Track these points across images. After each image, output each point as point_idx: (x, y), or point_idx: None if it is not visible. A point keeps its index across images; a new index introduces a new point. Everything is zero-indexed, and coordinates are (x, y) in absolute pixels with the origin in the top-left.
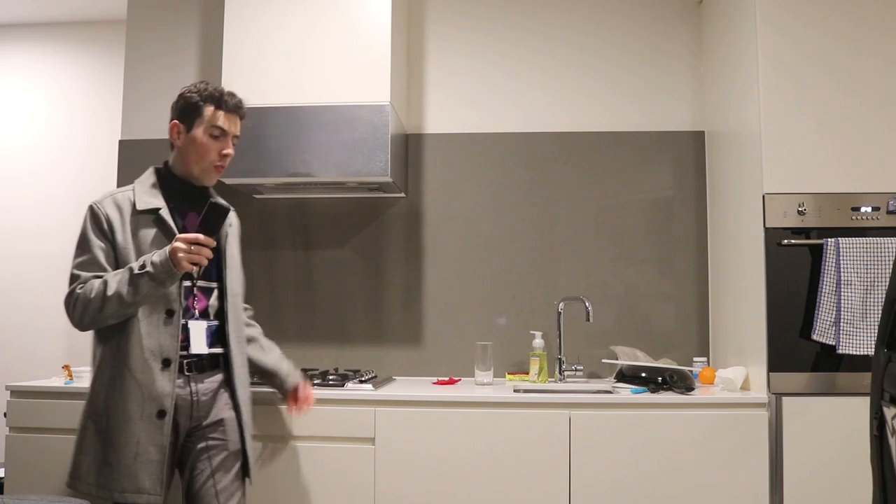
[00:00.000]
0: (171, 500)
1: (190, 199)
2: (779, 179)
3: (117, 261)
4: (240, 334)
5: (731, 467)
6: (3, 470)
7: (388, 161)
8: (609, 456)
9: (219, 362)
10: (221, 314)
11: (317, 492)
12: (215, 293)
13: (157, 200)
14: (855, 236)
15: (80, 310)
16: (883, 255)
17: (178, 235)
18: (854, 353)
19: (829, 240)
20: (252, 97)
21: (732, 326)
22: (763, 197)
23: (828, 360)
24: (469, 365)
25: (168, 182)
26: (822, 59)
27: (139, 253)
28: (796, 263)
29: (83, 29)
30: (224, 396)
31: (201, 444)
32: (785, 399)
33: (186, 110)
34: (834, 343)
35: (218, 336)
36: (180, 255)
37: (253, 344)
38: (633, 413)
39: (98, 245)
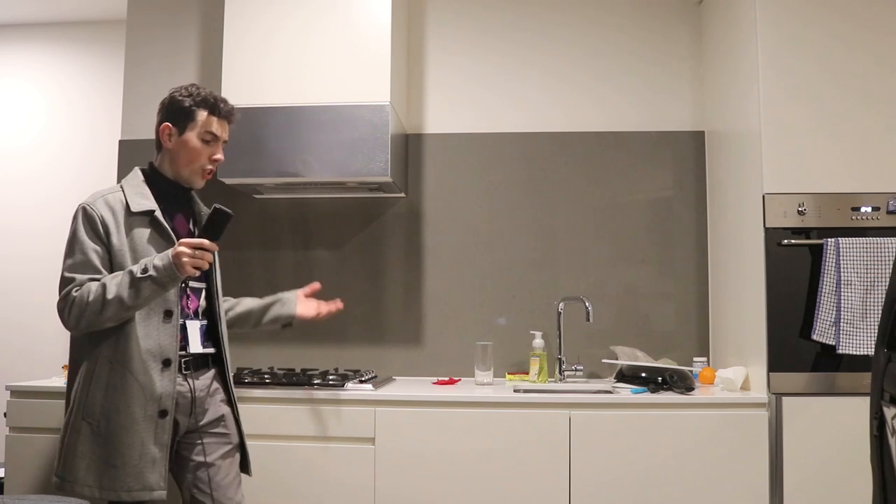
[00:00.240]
0: (169, 499)
1: (177, 202)
2: (779, 179)
3: (111, 263)
4: (226, 332)
5: (731, 467)
6: (3, 470)
7: (388, 161)
8: (609, 456)
9: (210, 360)
10: (210, 313)
11: (317, 492)
12: (203, 293)
13: (149, 202)
14: (855, 236)
15: (76, 313)
16: (883, 255)
17: (182, 240)
18: (854, 353)
19: (829, 240)
20: (252, 97)
21: (732, 326)
22: (763, 197)
23: (828, 360)
24: (469, 365)
25: (156, 184)
26: (822, 59)
27: (134, 255)
28: (796, 263)
29: (83, 29)
30: (219, 393)
31: (206, 440)
32: (785, 399)
33: (179, 113)
34: (834, 343)
35: (209, 335)
36: (185, 259)
37: (235, 303)
38: (633, 413)
39: (92, 247)
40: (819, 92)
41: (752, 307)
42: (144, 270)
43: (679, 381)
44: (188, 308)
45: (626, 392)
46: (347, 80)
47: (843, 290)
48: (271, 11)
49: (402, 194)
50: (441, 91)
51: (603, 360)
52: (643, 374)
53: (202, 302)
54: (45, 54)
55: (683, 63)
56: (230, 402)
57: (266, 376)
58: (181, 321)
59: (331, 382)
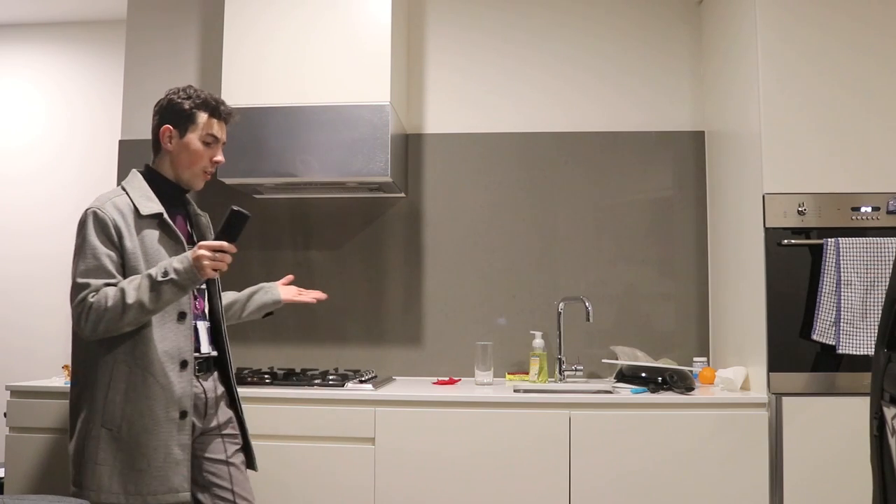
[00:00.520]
0: None
1: (176, 203)
2: (779, 179)
3: (124, 267)
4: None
5: (731, 467)
6: (3, 470)
7: (388, 161)
8: (609, 456)
9: (213, 361)
10: (212, 314)
11: (317, 492)
12: (206, 294)
13: (156, 205)
14: (855, 236)
15: (94, 319)
16: (883, 255)
17: (202, 243)
18: (854, 353)
19: (829, 240)
20: (252, 97)
21: (732, 326)
22: (763, 197)
23: (828, 360)
24: (469, 365)
25: (157, 185)
26: (822, 59)
27: (146, 258)
28: (796, 263)
29: (83, 29)
30: (224, 395)
31: (220, 441)
32: (785, 399)
33: (179, 116)
34: (834, 343)
35: (212, 336)
36: (205, 262)
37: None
38: (633, 413)
39: (104, 252)
40: (819, 92)
41: (752, 307)
42: (165, 274)
43: (679, 381)
44: (196, 309)
45: (626, 392)
46: (347, 80)
47: (843, 290)
48: (271, 11)
49: (402, 194)
50: (441, 91)
51: (603, 360)
52: (643, 374)
53: (205, 303)
54: (45, 54)
55: (683, 63)
56: (233, 403)
57: (266, 376)
58: (193, 323)
59: (331, 382)
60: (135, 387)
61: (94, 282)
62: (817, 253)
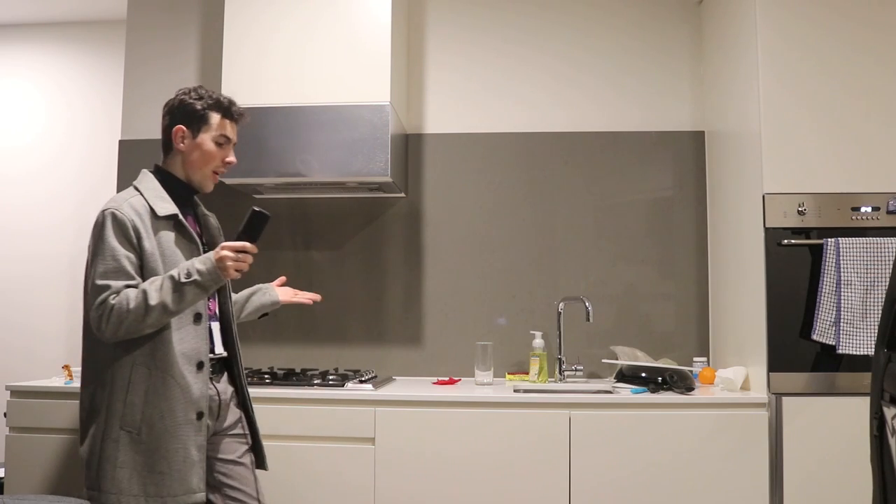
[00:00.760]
0: None
1: (187, 204)
2: (779, 179)
3: (142, 268)
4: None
5: (731, 467)
6: (3, 470)
7: (388, 161)
8: (609, 456)
9: (224, 362)
10: (223, 315)
11: (317, 492)
12: (216, 295)
13: (171, 206)
14: (855, 236)
15: (115, 321)
16: (883, 255)
17: (225, 244)
18: (854, 353)
19: (829, 240)
20: (252, 97)
21: (732, 326)
22: (763, 197)
23: (828, 360)
24: (469, 365)
25: (169, 186)
26: (822, 59)
27: (164, 259)
28: (796, 263)
29: (83, 29)
30: (233, 395)
31: (229, 440)
32: (785, 399)
33: (192, 116)
34: (834, 343)
35: (223, 337)
36: (229, 263)
37: None
38: (633, 413)
39: (123, 253)
40: (819, 92)
41: (752, 307)
42: (188, 275)
43: (679, 381)
44: (209, 310)
45: (626, 392)
46: (347, 80)
47: (843, 290)
48: (271, 11)
49: (402, 194)
50: (441, 91)
51: (603, 360)
52: (643, 374)
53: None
54: (45, 54)
55: (683, 63)
56: (241, 403)
57: (266, 376)
58: (208, 324)
59: (331, 382)
60: (155, 389)
61: (115, 283)
62: (817, 253)
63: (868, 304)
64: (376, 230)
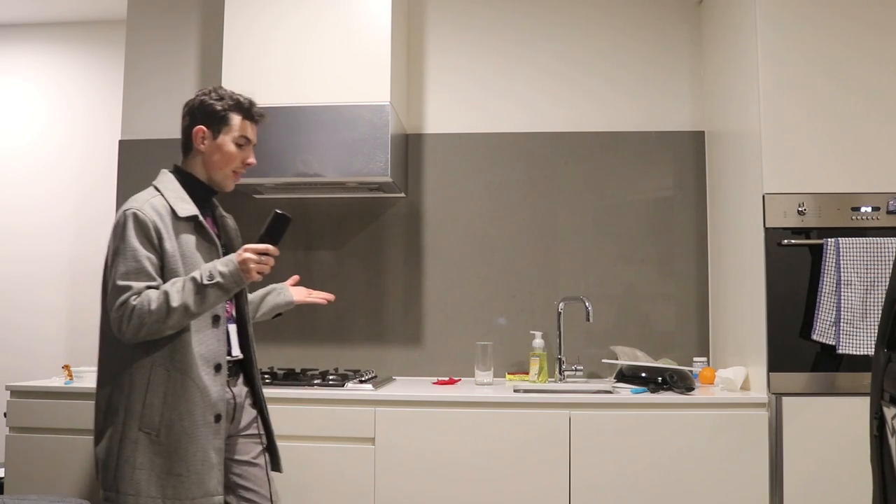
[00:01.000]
0: None
1: (206, 205)
2: (779, 179)
3: (163, 269)
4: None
5: (731, 467)
6: (3, 470)
7: (388, 161)
8: (609, 456)
9: (240, 363)
10: (240, 317)
11: (317, 492)
12: (234, 298)
13: (191, 207)
14: (855, 236)
15: (136, 322)
16: (883, 255)
17: (247, 246)
18: (854, 353)
19: (829, 240)
20: (252, 97)
21: (732, 326)
22: (763, 197)
23: (828, 360)
24: (469, 365)
25: (189, 186)
26: (822, 59)
27: (185, 260)
28: (796, 263)
29: (83, 29)
30: (248, 396)
31: (244, 441)
32: (785, 399)
33: (213, 117)
34: (834, 343)
35: (240, 339)
36: (251, 265)
37: None
38: (633, 413)
39: (145, 254)
40: (819, 92)
41: (752, 307)
42: (210, 277)
43: (679, 381)
44: (227, 313)
45: (626, 392)
46: (347, 80)
47: (843, 290)
48: (271, 11)
49: (402, 194)
50: (441, 91)
51: (603, 360)
52: (643, 374)
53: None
54: (45, 54)
55: (683, 63)
56: (256, 403)
57: (266, 376)
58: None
59: (331, 382)
60: (174, 391)
61: (136, 284)
62: (817, 253)
63: (868, 304)
64: (376, 230)
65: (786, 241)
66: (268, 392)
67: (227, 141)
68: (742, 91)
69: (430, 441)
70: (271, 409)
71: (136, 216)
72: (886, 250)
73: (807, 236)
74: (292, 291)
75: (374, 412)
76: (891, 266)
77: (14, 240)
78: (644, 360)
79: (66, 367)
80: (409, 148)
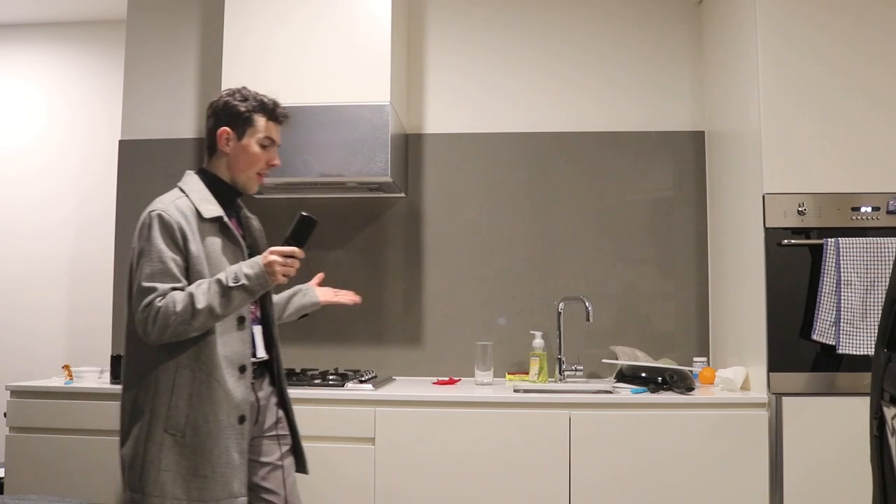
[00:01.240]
0: None
1: (231, 206)
2: (779, 179)
3: (188, 271)
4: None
5: (731, 467)
6: (3, 470)
7: (388, 161)
8: (609, 456)
9: (265, 365)
10: (265, 318)
11: (317, 491)
12: (259, 299)
13: (217, 208)
14: (855, 236)
15: (161, 323)
16: (883, 255)
17: (273, 248)
18: (854, 353)
19: (829, 240)
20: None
21: (732, 326)
22: (763, 197)
23: (828, 360)
24: (469, 365)
25: (214, 188)
26: (822, 59)
27: (210, 262)
28: (796, 263)
29: (83, 29)
30: (273, 397)
31: (268, 442)
32: (785, 399)
33: (237, 118)
34: (834, 343)
35: (265, 340)
36: (277, 268)
37: None
38: (633, 413)
39: (170, 255)
40: (819, 92)
41: (752, 307)
42: (236, 279)
43: (679, 381)
44: (252, 314)
45: (626, 392)
46: (347, 80)
47: (843, 290)
48: (271, 11)
49: (402, 194)
50: (441, 91)
51: (603, 360)
52: (643, 374)
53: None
54: (45, 54)
55: (683, 63)
56: (282, 404)
57: None
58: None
59: (331, 382)
60: (199, 392)
61: (161, 286)
62: (817, 253)
63: (868, 304)
64: (376, 230)
65: (786, 241)
66: None
67: (251, 142)
68: (742, 91)
69: (430, 441)
70: None
71: (161, 217)
72: (886, 250)
73: (807, 236)
74: (318, 292)
75: (374, 412)
76: (891, 266)
77: (14, 240)
78: (644, 360)
79: (66, 367)
80: (409, 148)
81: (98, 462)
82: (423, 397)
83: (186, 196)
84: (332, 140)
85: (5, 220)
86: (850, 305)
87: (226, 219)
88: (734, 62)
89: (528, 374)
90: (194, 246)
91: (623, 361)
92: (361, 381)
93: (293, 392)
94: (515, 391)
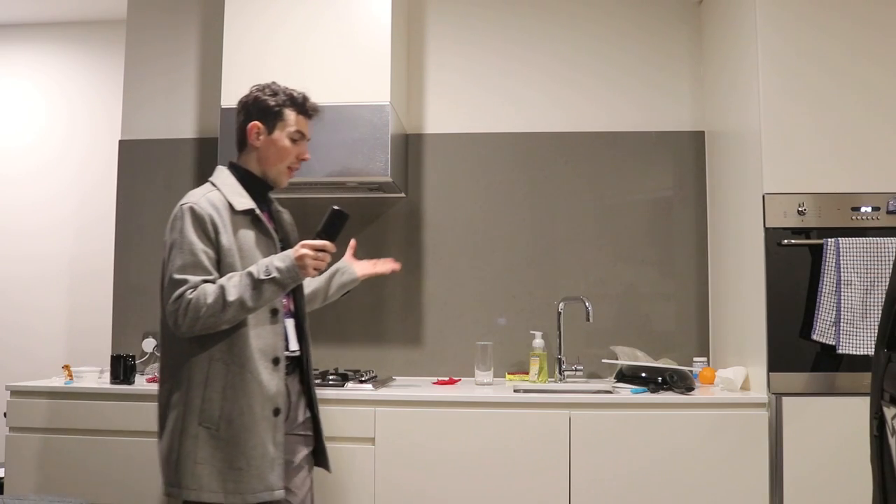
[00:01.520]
0: None
1: (262, 200)
2: (779, 179)
3: (219, 263)
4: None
5: (731, 467)
6: (3, 470)
7: (388, 161)
8: (609, 456)
9: (296, 360)
10: (297, 311)
11: (317, 491)
12: (291, 292)
13: (249, 201)
14: (855, 236)
15: (192, 315)
16: (883, 255)
17: (304, 242)
18: (854, 353)
19: (829, 240)
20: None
21: (732, 326)
22: (763, 197)
23: (828, 360)
24: (469, 365)
25: (245, 182)
26: (822, 59)
27: (242, 254)
28: (796, 263)
29: (83, 29)
30: (303, 398)
31: (293, 441)
32: (785, 399)
33: (267, 113)
34: (834, 343)
35: (297, 334)
36: (308, 261)
37: None
38: (633, 413)
39: (201, 248)
40: (819, 92)
41: (752, 307)
42: (267, 272)
43: (679, 381)
44: (285, 307)
45: (626, 392)
46: (347, 80)
47: (843, 290)
48: (271, 11)
49: (402, 194)
50: (441, 91)
51: (603, 360)
52: (643, 374)
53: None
54: (45, 54)
55: (683, 63)
56: (309, 403)
57: None
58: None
59: (331, 382)
60: (233, 385)
61: (192, 278)
62: (817, 253)
63: (868, 304)
64: (376, 230)
65: (786, 241)
66: None
67: (281, 136)
68: (742, 91)
69: (430, 441)
70: None
71: (192, 210)
72: (886, 250)
73: (807, 236)
74: (356, 267)
75: (374, 412)
76: (891, 266)
77: (14, 240)
78: (644, 360)
79: (66, 367)
80: (409, 148)
81: (98, 462)
82: (423, 397)
83: (218, 189)
84: (332, 140)
85: (5, 220)
86: (850, 305)
87: (258, 211)
88: (734, 62)
89: (528, 374)
90: (226, 238)
91: (623, 361)
92: (361, 381)
93: None
94: (515, 391)
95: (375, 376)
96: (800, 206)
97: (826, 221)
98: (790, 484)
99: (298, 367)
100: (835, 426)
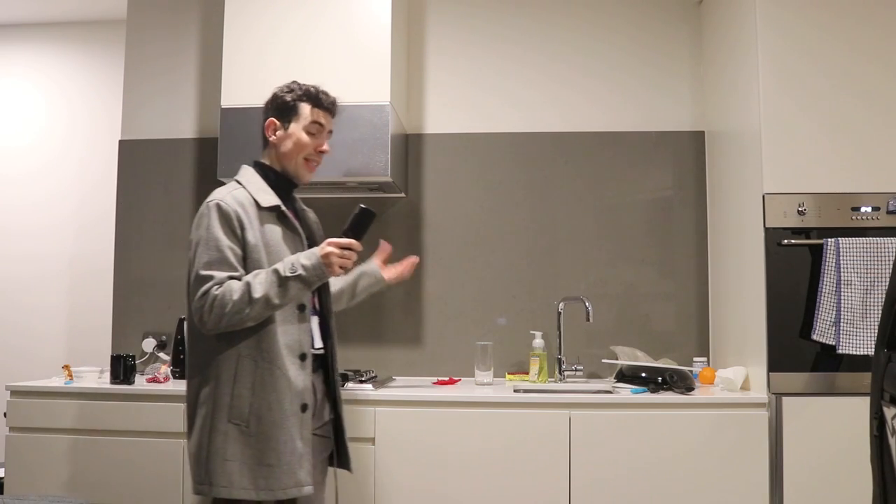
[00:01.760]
0: None
1: (287, 197)
2: (779, 179)
3: (245, 260)
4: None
5: (731, 467)
6: (3, 470)
7: (388, 161)
8: (609, 456)
9: (321, 359)
10: (322, 309)
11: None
12: (317, 290)
13: (273, 197)
14: (855, 236)
15: (217, 311)
16: (883, 255)
17: (330, 240)
18: (854, 353)
19: (829, 240)
20: (252, 97)
21: (732, 326)
22: (763, 197)
23: (828, 360)
24: (469, 365)
25: (269, 179)
26: (822, 59)
27: (269, 251)
28: (796, 263)
29: (83, 29)
30: (327, 400)
31: (318, 441)
32: (785, 399)
33: (283, 109)
34: (834, 343)
35: (322, 332)
36: (334, 259)
37: None
38: (633, 413)
39: (227, 244)
40: (819, 92)
41: (752, 307)
42: (293, 270)
43: (679, 381)
44: (312, 304)
45: (626, 392)
46: (347, 80)
47: (843, 290)
48: (271, 11)
49: (402, 194)
50: (441, 91)
51: (603, 360)
52: (643, 374)
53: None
54: (45, 54)
55: (683, 63)
56: (332, 403)
57: None
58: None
59: None
60: (262, 381)
61: (218, 274)
62: (817, 253)
63: (868, 304)
64: (376, 230)
65: (786, 241)
66: None
67: (297, 129)
68: (742, 91)
69: (430, 441)
70: None
71: (219, 207)
72: (886, 250)
73: (807, 236)
74: (382, 272)
75: (374, 412)
76: (891, 266)
77: (14, 240)
78: (644, 360)
79: (66, 367)
80: (409, 148)
81: (98, 462)
82: (423, 397)
83: (243, 187)
84: (333, 140)
85: (5, 220)
86: (850, 305)
87: (283, 208)
88: (734, 62)
89: (528, 374)
90: (252, 235)
91: (623, 361)
92: (361, 381)
93: None
94: (515, 391)
95: (375, 376)
96: (800, 206)
97: (826, 221)
98: (790, 484)
99: (322, 365)
100: (835, 426)
